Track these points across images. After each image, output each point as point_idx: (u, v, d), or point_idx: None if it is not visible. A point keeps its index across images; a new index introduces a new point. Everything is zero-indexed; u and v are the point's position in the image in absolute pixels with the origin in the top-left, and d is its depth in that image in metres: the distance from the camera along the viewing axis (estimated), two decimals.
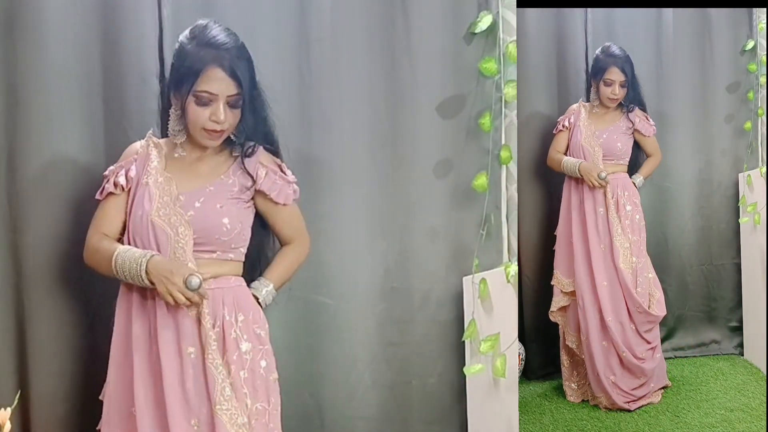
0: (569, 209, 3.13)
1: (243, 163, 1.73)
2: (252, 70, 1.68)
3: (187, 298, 1.57)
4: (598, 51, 3.13)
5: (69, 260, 1.84)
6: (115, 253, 1.61)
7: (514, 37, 2.24)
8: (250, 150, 1.74)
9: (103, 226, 1.70)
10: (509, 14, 2.24)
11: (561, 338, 3.23)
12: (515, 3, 2.24)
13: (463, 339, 2.28)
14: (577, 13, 3.36)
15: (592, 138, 3.08)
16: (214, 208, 1.69)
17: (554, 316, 3.21)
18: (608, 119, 3.16)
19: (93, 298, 1.89)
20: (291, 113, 2.06)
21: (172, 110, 1.71)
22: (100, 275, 1.71)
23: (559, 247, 3.18)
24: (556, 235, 3.20)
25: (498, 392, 2.30)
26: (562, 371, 3.24)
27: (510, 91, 2.25)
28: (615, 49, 3.07)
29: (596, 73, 3.11)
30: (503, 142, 2.28)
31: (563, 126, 3.15)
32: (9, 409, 1.47)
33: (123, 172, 1.70)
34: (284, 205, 1.79)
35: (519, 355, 3.11)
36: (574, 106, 3.19)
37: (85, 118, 1.87)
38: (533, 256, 3.34)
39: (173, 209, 1.66)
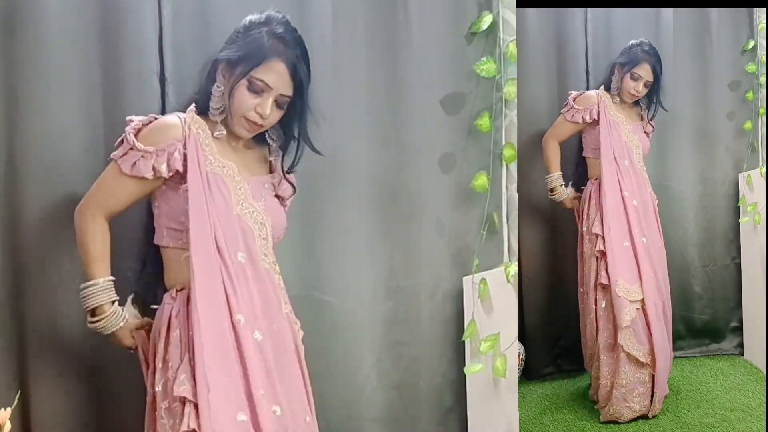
0: (606, 205, 2.88)
1: (284, 174, 1.76)
2: (308, 81, 1.66)
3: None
4: (633, 41, 2.97)
5: (69, 260, 1.84)
6: (102, 278, 1.61)
7: (514, 37, 2.24)
8: (294, 164, 1.76)
9: (109, 201, 1.59)
10: (509, 14, 2.24)
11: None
12: (515, 3, 2.25)
13: (462, 339, 2.28)
14: (577, 13, 3.36)
15: (633, 134, 2.97)
16: (277, 204, 1.73)
17: (625, 336, 2.86)
18: (625, 116, 3.02)
19: None
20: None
21: (214, 87, 1.64)
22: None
23: (614, 251, 2.86)
24: (598, 235, 2.89)
25: (498, 392, 2.30)
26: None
27: (510, 90, 2.25)
28: (648, 47, 2.95)
29: (626, 63, 2.94)
30: (504, 141, 2.28)
31: (582, 119, 2.94)
32: (9, 409, 1.46)
33: (165, 157, 1.56)
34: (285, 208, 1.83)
35: (519, 355, 3.11)
36: (592, 93, 3.00)
37: (85, 118, 1.86)
38: (533, 256, 3.34)
39: (249, 201, 1.65)
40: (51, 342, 1.85)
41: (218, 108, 1.64)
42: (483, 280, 2.26)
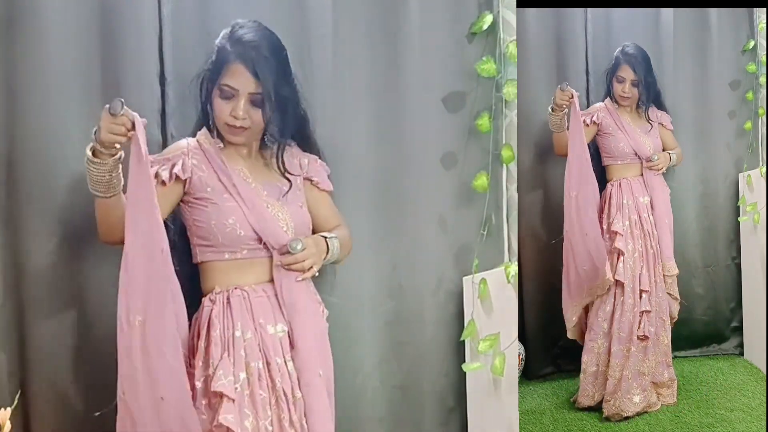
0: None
1: (279, 167, 1.77)
2: (282, 70, 1.71)
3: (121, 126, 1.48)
4: (619, 47, 3.12)
5: (69, 260, 1.84)
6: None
7: (514, 37, 2.25)
8: (282, 152, 1.77)
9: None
10: (509, 14, 2.24)
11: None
12: (515, 3, 2.25)
13: (461, 339, 2.28)
14: (577, 13, 3.37)
15: (644, 135, 3.11)
16: (298, 205, 1.79)
17: None
18: (630, 119, 3.15)
19: (93, 299, 1.88)
20: None
21: (208, 105, 1.75)
22: (100, 275, 1.70)
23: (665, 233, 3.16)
24: (617, 233, 3.05)
25: (498, 392, 2.30)
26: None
27: (510, 91, 2.26)
28: (630, 48, 3.07)
29: (610, 69, 3.13)
30: (503, 142, 2.28)
31: (591, 122, 3.08)
32: (9, 409, 1.47)
33: (168, 166, 1.69)
34: (327, 192, 1.91)
35: (519, 355, 3.11)
36: (599, 104, 3.16)
37: (85, 118, 1.85)
38: (533, 256, 3.34)
39: (263, 198, 1.73)
40: (51, 342, 1.85)
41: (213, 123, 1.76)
42: (483, 280, 2.26)
